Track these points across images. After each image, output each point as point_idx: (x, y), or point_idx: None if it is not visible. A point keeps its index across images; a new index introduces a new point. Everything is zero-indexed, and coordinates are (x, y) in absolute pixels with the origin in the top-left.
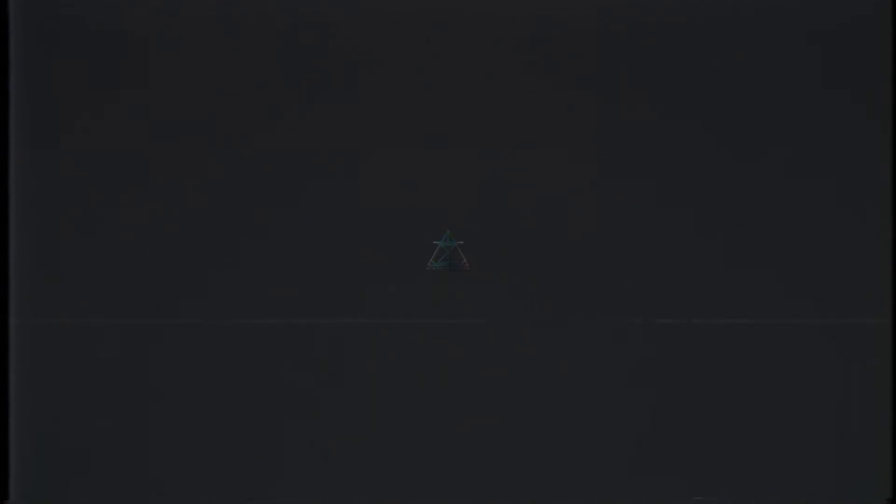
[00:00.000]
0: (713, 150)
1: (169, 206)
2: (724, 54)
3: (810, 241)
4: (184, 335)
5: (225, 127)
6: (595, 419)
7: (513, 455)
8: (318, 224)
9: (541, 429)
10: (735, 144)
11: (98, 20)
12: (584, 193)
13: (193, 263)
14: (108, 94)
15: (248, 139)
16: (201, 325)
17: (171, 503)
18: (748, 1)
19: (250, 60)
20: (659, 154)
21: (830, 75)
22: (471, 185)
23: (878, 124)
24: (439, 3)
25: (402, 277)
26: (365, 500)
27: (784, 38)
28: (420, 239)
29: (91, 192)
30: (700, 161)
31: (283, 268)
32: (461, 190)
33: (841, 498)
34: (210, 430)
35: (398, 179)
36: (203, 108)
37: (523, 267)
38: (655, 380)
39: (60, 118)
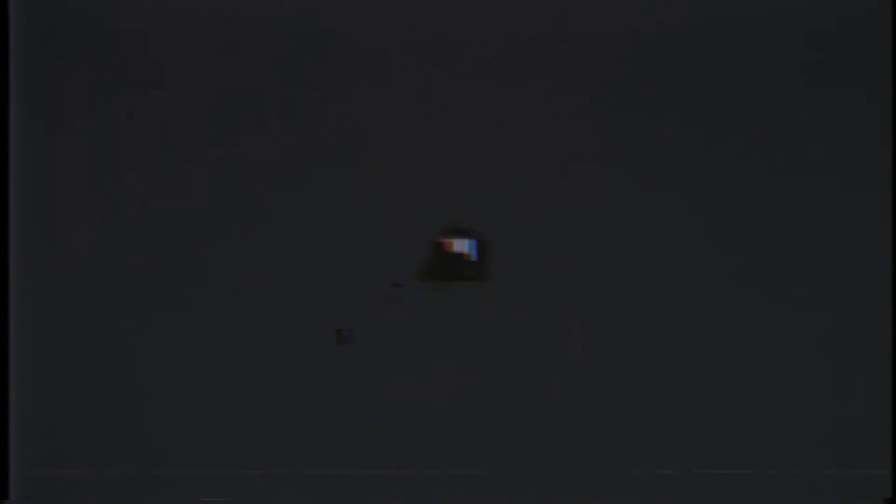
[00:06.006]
0: (709, 153)
1: (168, 204)
2: (723, 55)
3: (810, 241)
4: (185, 335)
5: (225, 126)
6: (591, 412)
7: (512, 459)
8: (317, 223)
9: (539, 434)
10: (733, 146)
11: (99, 19)
12: (583, 193)
13: (193, 262)
14: (109, 93)
15: (249, 139)
16: (202, 324)
17: (170, 502)
18: (749, 2)
19: (250, 59)
20: (658, 155)
21: (830, 75)
22: (469, 186)
23: (878, 123)
24: (442, 3)
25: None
26: (363, 500)
27: (784, 38)
28: (419, 240)
29: (91, 191)
30: (697, 163)
31: (279, 268)
32: (460, 191)
33: (840, 498)
34: (211, 430)
35: (397, 180)
36: (203, 108)
37: (524, 271)
38: (653, 379)
39: (60, 118)
